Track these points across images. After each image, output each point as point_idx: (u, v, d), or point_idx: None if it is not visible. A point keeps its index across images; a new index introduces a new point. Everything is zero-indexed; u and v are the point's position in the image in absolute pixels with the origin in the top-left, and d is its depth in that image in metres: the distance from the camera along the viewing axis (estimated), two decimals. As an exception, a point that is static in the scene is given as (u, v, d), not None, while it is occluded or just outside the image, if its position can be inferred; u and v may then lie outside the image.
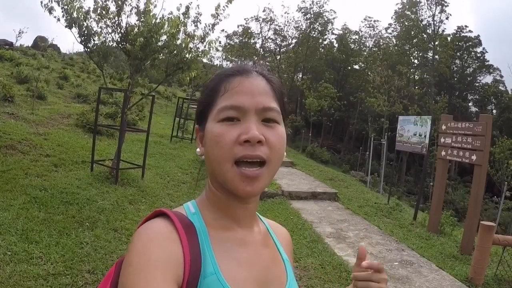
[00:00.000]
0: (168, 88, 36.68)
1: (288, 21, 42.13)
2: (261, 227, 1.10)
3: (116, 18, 8.73)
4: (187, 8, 9.28)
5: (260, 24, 43.43)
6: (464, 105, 46.09)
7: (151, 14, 8.80)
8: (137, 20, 8.91)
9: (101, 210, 6.92)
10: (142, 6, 8.88)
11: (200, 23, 9.47)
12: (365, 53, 44.67)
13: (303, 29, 42.30)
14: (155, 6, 9.01)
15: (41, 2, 8.48)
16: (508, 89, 48.10)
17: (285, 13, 43.82)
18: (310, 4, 41.43)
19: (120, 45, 8.99)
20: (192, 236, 0.89)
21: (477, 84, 50.26)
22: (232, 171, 0.89)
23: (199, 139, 1.03)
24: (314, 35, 43.09)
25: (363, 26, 46.52)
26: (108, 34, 8.94)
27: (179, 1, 9.22)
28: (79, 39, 8.82)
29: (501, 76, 49.26)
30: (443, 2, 39.75)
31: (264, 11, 43.02)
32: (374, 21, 45.92)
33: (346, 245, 7.52)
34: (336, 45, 46.91)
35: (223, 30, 46.25)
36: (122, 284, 0.79)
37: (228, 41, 46.30)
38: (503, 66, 48.12)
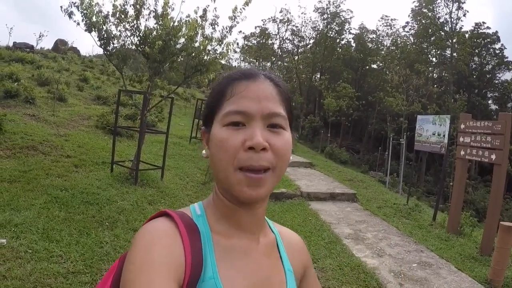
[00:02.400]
0: (187, 89, 36.83)
1: (305, 21, 42.03)
2: (268, 235, 1.10)
3: (135, 22, 8.85)
4: (205, 11, 9.34)
5: (278, 25, 43.50)
6: (484, 103, 45.43)
7: (169, 17, 8.88)
8: (155, 24, 9.01)
9: (121, 211, 7.00)
10: (160, 10, 8.97)
11: (218, 25, 9.54)
12: (383, 52, 44.25)
13: (320, 29, 42.22)
14: (172, 10, 9.08)
15: (61, 7, 8.63)
16: None
17: (302, 13, 43.85)
18: (327, 4, 41.38)
19: (139, 48, 9.09)
20: (195, 238, 0.90)
21: (496, 82, 49.38)
22: (236, 175, 0.89)
23: (205, 141, 1.02)
24: (332, 35, 42.97)
25: (380, 25, 46.37)
26: (127, 38, 9.05)
27: (196, 4, 9.31)
28: (98, 43, 8.91)
29: None
30: None
31: (281, 12, 43.03)
32: (391, 19, 46.00)
33: (364, 246, 7.49)
34: (354, 45, 46.67)
35: (240, 31, 46.37)
36: (124, 281, 0.80)
37: (246, 42, 46.54)
38: None
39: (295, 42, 44.53)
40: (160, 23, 8.91)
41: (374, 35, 46.39)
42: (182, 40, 9.19)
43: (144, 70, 10.57)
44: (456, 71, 40.34)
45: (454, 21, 40.09)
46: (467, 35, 43.61)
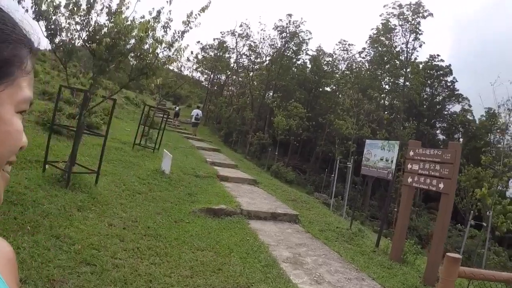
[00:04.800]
0: (139, 95, 36.07)
1: (263, 38, 41.91)
2: None
3: (86, 16, 8.41)
4: (158, 12, 9.00)
5: (236, 39, 43.36)
6: (432, 132, 47.21)
7: (122, 16, 8.48)
8: (106, 20, 8.60)
9: (46, 215, 6.44)
10: (114, 7, 8.59)
11: (170, 29, 9.26)
12: (337, 76, 45.00)
13: (277, 47, 42.36)
14: (127, 8, 8.71)
15: None
16: (476, 118, 49.87)
17: (261, 30, 43.61)
18: (287, 24, 41.59)
19: (86, 44, 8.62)
20: None
21: (445, 113, 52.03)
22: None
23: None
24: (288, 54, 43.19)
25: (337, 49, 46.94)
26: (76, 32, 8.54)
27: (152, 5, 9.03)
28: (45, 33, 8.34)
29: (470, 106, 50.94)
30: (417, 30, 40.48)
31: (240, 26, 42.74)
32: (349, 44, 46.61)
33: (303, 272, 7.13)
34: (309, 66, 47.32)
35: (198, 42, 46.10)
36: None
37: (202, 53, 46.27)
38: (471, 96, 49.64)
39: (251, 58, 44.48)
40: (111, 20, 8.50)
41: (330, 58, 47.22)
42: (132, 40, 8.80)
43: (90, 67, 10.05)
44: (407, 99, 41.59)
45: (410, 51, 41.32)
46: (421, 66, 45.38)
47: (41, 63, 23.40)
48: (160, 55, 9.29)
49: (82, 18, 8.44)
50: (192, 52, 18.71)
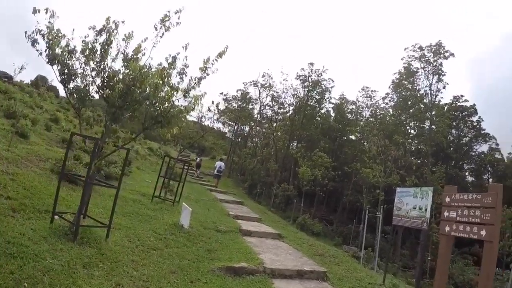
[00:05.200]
0: (162, 146, 36.04)
1: (286, 88, 41.96)
2: None
3: (101, 61, 8.15)
4: (174, 58, 8.62)
5: (259, 89, 43.45)
6: (461, 175, 46.01)
7: (138, 62, 8.20)
8: (122, 66, 8.30)
9: (47, 270, 5.86)
10: (130, 53, 8.31)
11: (186, 75, 8.82)
12: (362, 123, 44.64)
13: (300, 97, 42.23)
14: (143, 54, 8.42)
15: (25, 32, 7.88)
16: (504, 156, 49.46)
17: (283, 80, 43.71)
18: (309, 72, 41.59)
19: (100, 90, 8.30)
20: None
21: (473, 153, 51.07)
22: None
23: None
24: (311, 103, 43.01)
25: (360, 96, 46.99)
26: (91, 77, 8.28)
27: (168, 52, 8.65)
28: (59, 78, 8.10)
29: (497, 144, 50.13)
30: (440, 72, 39.98)
31: (263, 76, 42.88)
32: (372, 91, 46.58)
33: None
34: (333, 115, 47.19)
35: (222, 93, 46.38)
36: None
37: (226, 104, 46.48)
38: (498, 134, 49.38)
39: (275, 108, 44.43)
40: (126, 66, 8.16)
41: (353, 106, 47.17)
42: (148, 88, 8.43)
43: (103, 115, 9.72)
44: (434, 143, 40.71)
45: (434, 93, 40.68)
46: (445, 107, 44.92)
47: (64, 111, 23.43)
48: (176, 103, 8.83)
49: (97, 64, 8.17)
50: (213, 102, 18.41)
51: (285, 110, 44.62)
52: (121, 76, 8.20)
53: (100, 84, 8.29)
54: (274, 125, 44.10)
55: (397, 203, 11.21)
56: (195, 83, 8.88)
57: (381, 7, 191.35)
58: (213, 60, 8.80)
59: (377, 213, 18.43)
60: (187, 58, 8.73)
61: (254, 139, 50.45)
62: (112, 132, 8.78)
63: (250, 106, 46.56)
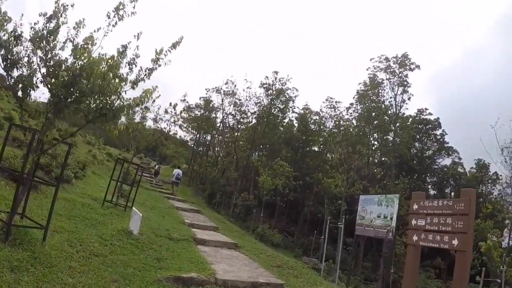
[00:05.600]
0: (124, 153, 35.06)
1: (249, 96, 41.34)
2: None
3: (46, 47, 7.56)
4: (125, 47, 8.02)
5: (222, 97, 42.81)
6: (424, 187, 46.25)
7: (87, 51, 7.65)
8: (69, 55, 7.68)
9: (-34, 275, 5.03)
10: (80, 42, 7.70)
11: (136, 66, 8.22)
12: (325, 133, 44.47)
13: (264, 105, 41.76)
14: (94, 44, 7.80)
15: None
16: (466, 170, 50.32)
17: (247, 87, 42.98)
18: (273, 81, 41.23)
19: (45, 80, 7.64)
20: None
21: (436, 167, 51.85)
22: None
23: None
24: (275, 112, 42.59)
25: (324, 107, 46.59)
26: (36, 66, 7.65)
27: (121, 42, 8.11)
28: (2, 64, 7.55)
29: (459, 158, 51.15)
30: (405, 83, 40.03)
31: (226, 83, 42.15)
32: (336, 102, 46.31)
33: None
34: (296, 125, 46.79)
35: (184, 100, 45.74)
36: None
37: (188, 113, 45.80)
38: (461, 148, 50.18)
39: (237, 117, 43.83)
40: (74, 54, 7.58)
41: (317, 117, 46.76)
42: (95, 79, 7.69)
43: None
44: (397, 154, 40.76)
45: (399, 104, 40.71)
46: (410, 120, 45.16)
47: (20, 111, 22.33)
48: (124, 96, 8.15)
49: (43, 52, 7.57)
50: (171, 104, 17.65)
51: (248, 120, 44.12)
52: (68, 64, 7.61)
53: (45, 73, 7.63)
54: (236, 134, 43.48)
55: (360, 211, 10.62)
56: (145, 74, 8.33)
57: (348, 18, 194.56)
58: (166, 51, 8.32)
59: (338, 223, 17.86)
60: (138, 48, 8.19)
61: (216, 148, 49.78)
62: (53, 124, 7.94)
63: (213, 115, 45.97)
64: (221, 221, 23.32)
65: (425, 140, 51.40)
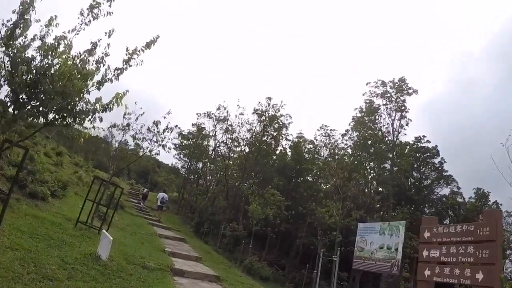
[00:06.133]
0: (114, 177, 34.08)
1: (242, 122, 40.20)
2: None
3: (10, 40, 7.16)
4: (94, 45, 7.64)
5: (214, 122, 41.65)
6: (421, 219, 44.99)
7: (57, 50, 7.38)
8: (34, 50, 7.32)
9: None
10: (51, 40, 7.41)
11: (104, 65, 7.75)
12: (319, 162, 43.37)
13: (256, 132, 40.67)
14: (68, 44, 7.52)
15: None
16: (465, 200, 48.97)
17: (239, 114, 41.69)
18: (266, 107, 40.19)
19: (8, 78, 7.11)
20: None
21: (434, 196, 50.37)
22: None
23: None
24: (268, 140, 41.56)
25: (319, 135, 45.26)
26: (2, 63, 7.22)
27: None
28: None
29: (458, 188, 49.69)
30: (403, 108, 39.08)
31: (218, 109, 41.04)
32: (330, 130, 44.92)
33: None
34: (290, 153, 45.66)
35: (176, 126, 44.64)
36: None
37: (182, 140, 44.98)
38: (459, 178, 49.09)
39: (228, 144, 42.65)
40: (39, 49, 7.28)
41: (311, 146, 45.65)
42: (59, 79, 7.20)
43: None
44: (395, 183, 39.70)
45: (397, 130, 39.62)
46: (407, 148, 44.27)
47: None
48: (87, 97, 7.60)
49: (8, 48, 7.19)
50: (154, 122, 16.76)
51: (241, 149, 43.03)
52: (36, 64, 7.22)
53: (8, 71, 7.11)
54: (228, 162, 42.32)
55: (359, 242, 9.34)
56: (114, 75, 7.78)
57: (342, 41, 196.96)
58: (139, 51, 7.89)
59: (333, 256, 16.47)
60: (109, 46, 7.75)
61: (207, 177, 48.54)
62: (10, 124, 7.02)
63: (205, 142, 44.75)
64: (207, 252, 22.20)
65: (423, 168, 50.37)
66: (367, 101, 40.61)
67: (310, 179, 45.57)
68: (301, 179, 44.72)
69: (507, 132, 10.71)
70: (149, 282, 9.62)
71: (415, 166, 48.10)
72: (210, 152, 44.99)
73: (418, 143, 48.14)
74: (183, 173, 51.56)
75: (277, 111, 40.37)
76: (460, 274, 5.70)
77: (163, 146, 17.76)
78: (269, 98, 40.44)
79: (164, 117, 16.49)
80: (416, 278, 6.86)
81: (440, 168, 49.36)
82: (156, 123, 16.72)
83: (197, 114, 43.89)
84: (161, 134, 17.50)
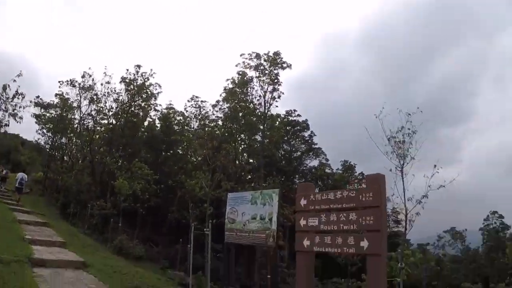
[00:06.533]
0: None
1: (108, 92, 37.84)
2: None
3: None
4: None
5: (78, 92, 38.64)
6: (293, 188, 46.16)
7: None
8: None
9: None
10: None
11: None
12: (190, 134, 42.53)
13: (124, 102, 38.67)
14: None
15: None
16: (334, 171, 52.58)
17: (106, 82, 39.10)
18: (135, 75, 38.38)
19: None
20: None
21: (304, 168, 52.74)
22: None
23: None
24: (136, 110, 39.98)
25: (189, 106, 43.86)
26: None
27: None
28: None
29: (327, 160, 52.77)
30: (276, 81, 38.70)
31: (83, 77, 38.14)
32: (202, 101, 43.72)
33: None
34: (159, 125, 44.35)
35: (38, 97, 41.12)
36: None
37: (43, 111, 41.69)
38: (327, 151, 51.82)
39: (97, 118, 40.07)
40: None
41: (181, 117, 44.69)
42: None
43: None
44: (266, 154, 39.98)
45: (269, 102, 39.30)
46: (278, 121, 44.84)
47: None
48: None
49: None
50: (3, 86, 14.65)
51: (107, 122, 40.63)
52: None
53: None
54: (93, 136, 39.91)
55: (229, 213, 8.65)
56: None
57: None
58: None
59: (205, 230, 15.77)
60: None
61: (73, 152, 45.39)
62: None
63: (70, 115, 41.39)
64: (73, 235, 20.50)
65: (294, 141, 52.19)
66: (240, 72, 39.89)
67: (180, 152, 44.62)
68: (171, 152, 43.67)
69: (372, 111, 11.68)
70: (4, 278, 8.30)
71: (286, 138, 49.65)
72: (75, 126, 41.95)
73: (289, 117, 49.81)
74: (48, 149, 47.61)
75: (146, 79, 38.81)
76: (343, 243, 5.19)
77: (14, 116, 15.61)
78: (138, 66, 38.78)
79: (14, 80, 14.47)
80: (295, 249, 6.33)
81: (309, 141, 51.89)
82: (5, 87, 14.61)
83: (59, 82, 40.08)
84: (11, 100, 15.31)
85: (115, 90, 38.32)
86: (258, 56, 38.78)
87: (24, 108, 17.38)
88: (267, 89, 38.88)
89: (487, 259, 53.22)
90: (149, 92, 39.76)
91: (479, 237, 60.26)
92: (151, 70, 39.99)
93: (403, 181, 11.47)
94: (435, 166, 11.77)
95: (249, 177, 37.91)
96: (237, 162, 38.80)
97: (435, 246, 64.47)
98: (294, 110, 50.46)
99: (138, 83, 38.60)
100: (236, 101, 39.96)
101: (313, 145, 51.84)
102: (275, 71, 38.53)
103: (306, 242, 5.81)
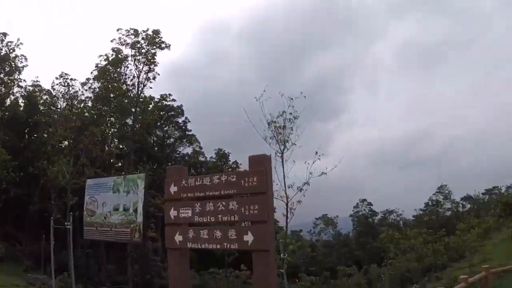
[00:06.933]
0: None
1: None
2: None
3: None
4: None
5: None
6: (165, 176, 45.50)
7: None
8: None
9: None
10: None
11: None
12: (56, 115, 39.07)
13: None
14: None
15: None
16: (207, 159, 53.06)
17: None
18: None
19: None
20: None
21: (177, 155, 52.17)
22: None
23: None
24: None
25: (57, 84, 40.33)
26: None
27: None
28: None
29: (201, 148, 52.93)
30: (153, 61, 37.82)
31: None
32: (71, 79, 40.52)
33: None
34: (22, 104, 40.51)
35: None
36: None
37: None
38: (202, 139, 51.78)
39: None
40: None
41: (48, 96, 41.44)
42: None
43: None
44: (138, 139, 39.08)
45: (142, 83, 38.26)
46: (151, 104, 44.66)
47: None
48: None
49: None
50: None
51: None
52: None
53: None
54: None
55: (88, 203, 7.48)
56: None
57: None
58: None
59: (66, 224, 14.09)
60: None
61: None
62: None
63: None
64: None
65: (167, 127, 51.46)
66: (115, 49, 38.20)
67: (46, 136, 41.12)
68: (36, 135, 40.06)
69: (250, 101, 11.67)
70: None
71: (159, 124, 49.14)
72: None
73: (164, 101, 48.43)
74: None
75: (11, 50, 35.38)
76: (222, 238, 4.28)
77: None
78: (4, 34, 35.24)
79: None
80: (165, 246, 5.29)
81: (184, 127, 51.21)
82: None
83: None
84: None
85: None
86: (136, 32, 37.37)
87: None
88: (142, 69, 37.86)
89: (358, 243, 57.41)
90: (13, 65, 36.22)
91: (349, 223, 64.65)
92: (18, 39, 36.23)
93: (283, 167, 11.16)
94: (316, 152, 11.42)
95: (119, 164, 36.22)
96: (106, 148, 36.56)
97: (312, 232, 68.01)
98: (169, 95, 49.20)
99: (1, 54, 34.98)
100: (108, 80, 38.17)
101: (187, 132, 51.30)
102: (153, 51, 37.66)
103: (178, 238, 4.81)
